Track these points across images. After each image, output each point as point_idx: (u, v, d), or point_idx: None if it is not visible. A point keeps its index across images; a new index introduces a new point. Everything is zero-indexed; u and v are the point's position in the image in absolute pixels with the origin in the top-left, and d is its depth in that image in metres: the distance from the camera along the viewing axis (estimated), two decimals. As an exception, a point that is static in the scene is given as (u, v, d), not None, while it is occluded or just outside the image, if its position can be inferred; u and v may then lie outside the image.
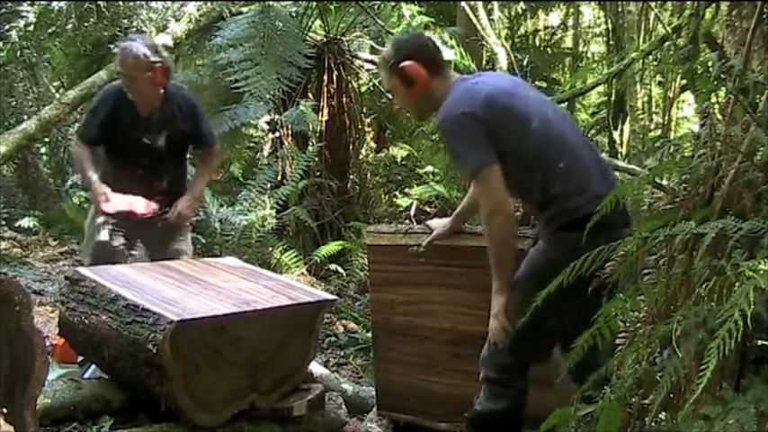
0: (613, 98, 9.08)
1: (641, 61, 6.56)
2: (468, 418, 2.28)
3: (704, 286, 1.29)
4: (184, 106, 3.40)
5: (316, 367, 3.23)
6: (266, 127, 6.45)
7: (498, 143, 2.11)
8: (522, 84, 2.44)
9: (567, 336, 2.10)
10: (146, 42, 3.29)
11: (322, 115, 6.20)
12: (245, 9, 6.24)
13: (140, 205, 3.28)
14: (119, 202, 3.21)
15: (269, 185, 5.70)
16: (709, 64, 1.51)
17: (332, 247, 5.78)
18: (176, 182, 3.49)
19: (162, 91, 3.29)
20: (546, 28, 10.44)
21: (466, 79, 2.27)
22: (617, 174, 5.50)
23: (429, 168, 7.55)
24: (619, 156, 8.12)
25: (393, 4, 6.53)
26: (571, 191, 2.08)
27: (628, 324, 1.55)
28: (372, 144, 7.99)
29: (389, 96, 7.14)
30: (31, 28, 6.48)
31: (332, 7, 6.72)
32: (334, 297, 3.27)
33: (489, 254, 2.18)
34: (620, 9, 8.34)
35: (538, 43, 10.18)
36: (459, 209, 2.69)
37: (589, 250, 1.52)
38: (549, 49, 10.01)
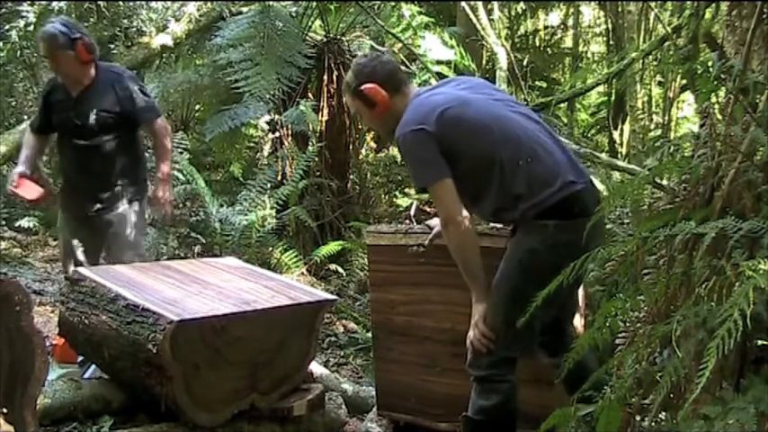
0: (613, 98, 9.09)
1: (641, 61, 6.56)
2: (463, 420, 2.29)
3: (704, 286, 1.29)
4: (116, 83, 3.30)
5: (316, 367, 3.23)
6: (266, 127, 6.45)
7: (452, 153, 2.18)
8: (482, 85, 2.47)
9: (544, 324, 2.18)
10: (63, 21, 3.26)
11: (322, 115, 6.20)
12: (245, 9, 6.24)
13: (27, 191, 3.23)
14: (22, 187, 3.21)
15: (269, 185, 5.70)
16: (710, 64, 1.51)
17: (332, 247, 5.78)
18: (125, 166, 3.35)
19: (91, 69, 3.25)
20: (546, 28, 10.44)
21: (421, 93, 2.34)
22: (616, 174, 5.51)
23: (429, 168, 7.55)
24: (619, 156, 8.13)
25: (393, 4, 6.52)
26: (538, 186, 2.12)
27: (628, 324, 1.55)
28: (372, 144, 7.98)
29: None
30: (31, 28, 6.48)
31: (332, 7, 6.72)
32: (334, 297, 3.27)
33: (457, 264, 2.26)
34: (620, 9, 8.35)
35: (538, 43, 10.19)
36: None
37: (567, 237, 1.55)
38: (549, 49, 10.01)
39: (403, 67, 6.52)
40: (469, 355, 2.25)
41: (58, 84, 3.32)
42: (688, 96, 8.21)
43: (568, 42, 10.37)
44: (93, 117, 3.25)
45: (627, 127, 8.48)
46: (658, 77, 8.19)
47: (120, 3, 6.93)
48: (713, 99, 1.55)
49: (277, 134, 6.25)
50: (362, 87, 2.30)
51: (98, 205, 3.34)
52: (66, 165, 3.41)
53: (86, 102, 3.27)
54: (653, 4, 7.38)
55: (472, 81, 2.47)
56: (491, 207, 2.25)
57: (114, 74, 3.34)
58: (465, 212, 2.19)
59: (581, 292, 2.51)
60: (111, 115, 3.27)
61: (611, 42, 9.11)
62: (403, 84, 2.36)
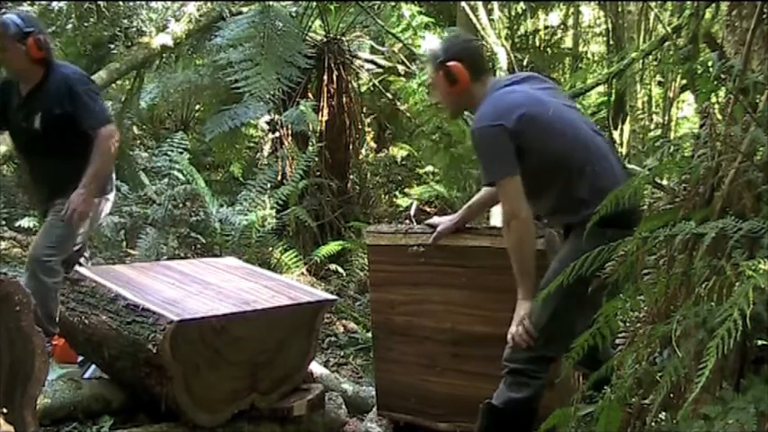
0: (613, 98, 9.08)
1: (641, 61, 6.55)
2: (485, 407, 2.27)
3: (704, 286, 1.29)
4: (65, 85, 3.14)
5: (316, 367, 3.23)
6: (266, 127, 6.45)
7: (524, 150, 2.23)
8: (555, 89, 2.56)
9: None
10: (21, 14, 3.19)
11: (322, 115, 6.20)
12: (245, 9, 6.24)
13: None
14: None
15: (269, 185, 5.70)
16: (710, 64, 1.51)
17: (332, 247, 5.78)
18: (77, 167, 3.14)
19: (41, 68, 3.13)
20: (546, 28, 10.43)
21: (500, 85, 2.41)
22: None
23: (429, 168, 7.56)
24: (619, 156, 8.11)
25: (393, 4, 6.52)
26: (602, 194, 2.12)
27: (628, 324, 1.55)
28: (372, 144, 8.00)
29: (389, 96, 7.16)
30: (31, 28, 6.48)
31: (332, 7, 6.72)
32: (334, 297, 3.28)
33: (512, 260, 2.27)
34: (620, 9, 8.33)
35: (538, 43, 10.17)
36: (470, 202, 2.73)
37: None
38: (549, 49, 10.00)
39: (402, 67, 6.57)
40: (507, 348, 2.26)
41: (14, 82, 3.24)
42: (688, 96, 8.20)
43: (568, 42, 10.36)
44: (37, 119, 3.14)
45: (627, 127, 8.47)
46: (658, 77, 8.18)
47: (120, 3, 6.92)
48: (713, 99, 1.55)
49: (277, 134, 6.25)
50: (449, 63, 2.37)
51: (54, 201, 3.23)
52: (21, 163, 3.37)
53: (33, 102, 3.17)
54: (653, 4, 7.38)
55: (546, 83, 2.53)
56: (549, 206, 2.32)
57: (65, 75, 3.19)
58: (529, 211, 2.23)
59: None
60: (55, 117, 3.14)
61: (611, 42, 9.10)
62: (485, 73, 2.47)
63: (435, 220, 2.78)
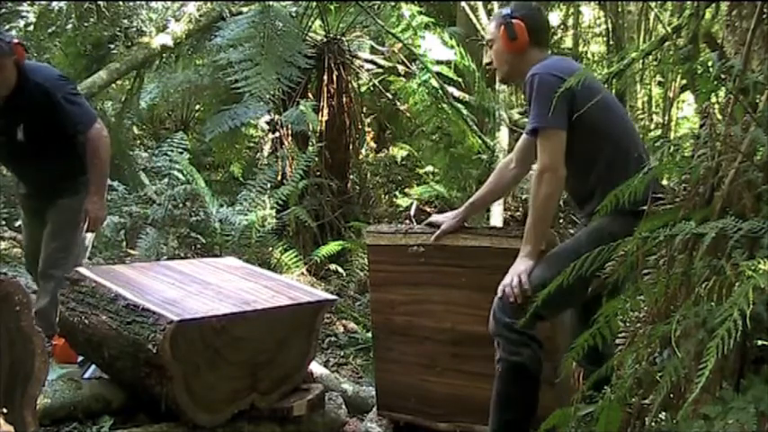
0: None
1: (641, 61, 6.55)
2: (498, 373, 2.25)
3: (704, 286, 1.29)
4: (39, 93, 2.99)
5: (316, 367, 3.23)
6: (266, 127, 6.45)
7: (579, 118, 2.17)
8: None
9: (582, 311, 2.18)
10: None
11: (322, 115, 6.20)
12: (245, 9, 6.24)
13: None
14: None
15: (269, 185, 5.70)
16: (710, 64, 1.51)
17: (332, 247, 5.78)
18: (63, 171, 3.14)
19: (11, 77, 2.97)
20: (546, 28, 10.42)
21: (556, 58, 2.46)
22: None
23: (429, 168, 7.56)
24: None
25: (393, 4, 6.53)
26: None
27: (628, 324, 1.55)
28: (372, 144, 8.00)
29: (389, 96, 7.16)
30: (31, 28, 6.49)
31: (332, 7, 6.72)
32: (334, 297, 3.27)
33: (530, 213, 2.25)
34: (620, 9, 8.34)
35: (538, 43, 10.17)
36: (472, 198, 2.71)
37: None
38: (549, 49, 10.01)
39: (402, 67, 6.57)
40: (497, 303, 2.23)
41: None
42: (688, 96, 8.21)
43: (568, 42, 10.36)
44: (20, 131, 3.04)
45: (627, 127, 8.46)
46: (658, 77, 8.19)
47: (120, 3, 6.93)
48: (713, 99, 1.54)
49: (277, 134, 6.25)
50: (514, 20, 2.37)
51: (49, 204, 3.21)
52: (5, 167, 3.31)
53: (12, 114, 3.04)
54: (653, 4, 7.38)
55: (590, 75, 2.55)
56: (589, 186, 2.27)
57: (39, 83, 3.03)
58: (565, 170, 2.19)
59: None
60: (38, 128, 3.06)
61: (611, 42, 9.10)
62: (544, 44, 2.46)
63: (436, 218, 2.77)
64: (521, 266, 2.22)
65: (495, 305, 2.25)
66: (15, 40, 3.07)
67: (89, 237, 3.28)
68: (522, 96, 8.08)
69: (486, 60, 2.59)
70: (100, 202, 3.16)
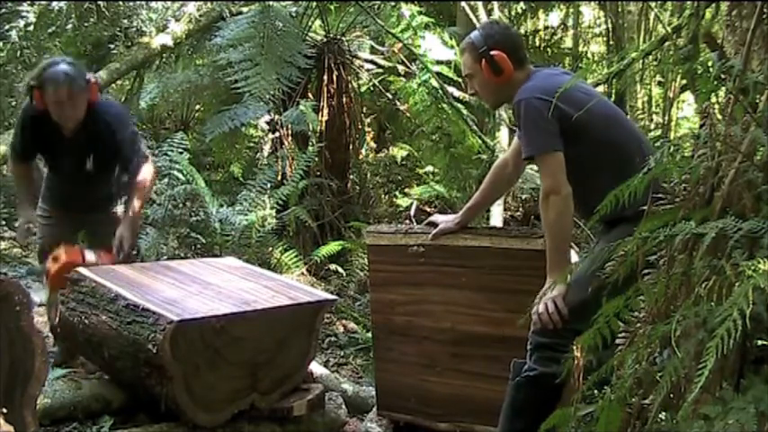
0: (613, 98, 9.07)
1: (641, 61, 6.55)
2: (517, 383, 2.23)
3: (704, 286, 1.29)
4: (107, 129, 3.13)
5: (316, 367, 3.24)
6: (266, 127, 6.45)
7: (574, 132, 2.17)
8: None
9: None
10: (69, 61, 3.13)
11: (322, 115, 6.20)
12: (245, 9, 6.24)
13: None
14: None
15: (269, 185, 5.70)
16: (710, 64, 1.51)
17: (332, 247, 5.78)
18: (111, 190, 3.33)
19: (80, 112, 3.08)
20: (546, 28, 10.43)
21: (541, 70, 2.39)
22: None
23: (429, 168, 7.55)
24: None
25: (393, 4, 6.53)
26: (653, 189, 2.09)
27: (628, 324, 1.55)
28: (372, 144, 7.99)
29: (389, 96, 7.15)
30: (31, 28, 6.48)
31: (332, 7, 6.72)
32: (334, 297, 3.28)
33: (546, 236, 2.23)
34: (620, 9, 8.34)
35: (538, 43, 10.17)
36: (470, 202, 2.70)
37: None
38: (549, 49, 10.00)
39: (402, 67, 6.58)
40: (534, 325, 2.19)
41: (40, 116, 3.09)
42: (688, 96, 8.21)
43: (568, 42, 10.36)
44: (89, 162, 3.18)
45: (627, 127, 8.45)
46: (658, 77, 8.19)
47: (120, 3, 6.92)
48: (713, 99, 1.54)
49: (277, 134, 6.25)
50: (492, 52, 2.31)
51: (88, 216, 3.36)
52: (54, 179, 3.37)
53: (82, 145, 3.15)
54: (653, 4, 7.38)
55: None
56: (597, 197, 2.22)
57: (108, 120, 3.15)
58: (569, 188, 2.17)
59: None
60: (107, 160, 3.20)
61: (611, 42, 9.10)
62: (525, 61, 2.41)
63: (436, 218, 2.77)
64: (555, 291, 2.16)
65: (534, 324, 2.20)
66: (93, 79, 3.15)
67: None
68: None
69: (470, 92, 2.54)
70: (134, 233, 3.21)
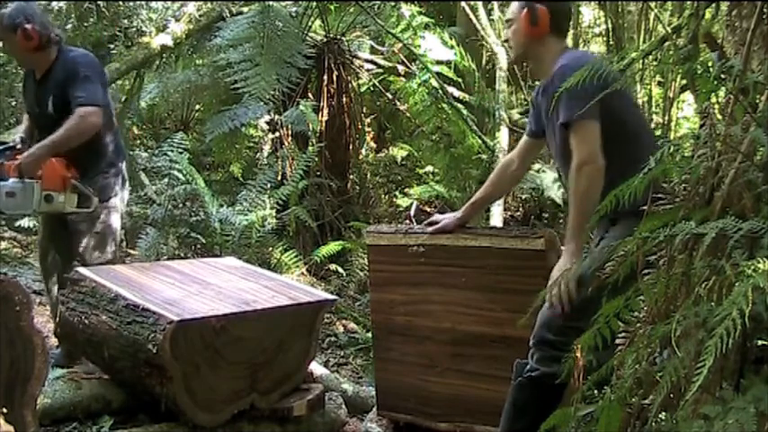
0: (613, 98, 9.04)
1: (641, 61, 6.56)
2: (519, 383, 2.23)
3: (704, 286, 1.29)
4: (70, 67, 3.17)
5: (316, 367, 3.24)
6: (266, 127, 6.45)
7: (611, 110, 2.14)
8: None
9: None
10: (18, 5, 3.21)
11: (322, 115, 6.20)
12: (245, 9, 6.24)
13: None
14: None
15: (269, 185, 5.70)
16: (710, 64, 1.51)
17: (332, 247, 5.78)
18: (88, 153, 3.18)
19: (45, 55, 3.19)
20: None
21: (576, 50, 2.37)
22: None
23: (429, 168, 7.56)
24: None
25: (393, 4, 6.53)
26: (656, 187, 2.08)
27: (628, 324, 1.55)
28: (372, 144, 7.99)
29: (389, 96, 7.16)
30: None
31: (332, 7, 6.72)
32: (334, 297, 3.28)
33: (571, 209, 2.18)
34: (620, 9, 8.34)
35: (538, 43, 10.16)
36: (473, 198, 2.70)
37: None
38: (549, 49, 10.00)
39: (402, 67, 6.57)
40: (543, 314, 2.18)
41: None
42: (688, 96, 8.20)
43: (568, 42, 10.35)
44: (50, 103, 3.19)
45: (627, 127, 8.44)
46: (658, 77, 8.18)
47: (120, 3, 6.93)
48: (713, 99, 1.54)
49: (277, 134, 6.25)
50: (539, 5, 2.33)
51: None
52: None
53: (45, 87, 3.23)
54: (653, 4, 7.38)
55: None
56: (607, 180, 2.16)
57: (73, 58, 3.23)
58: (603, 160, 2.13)
59: None
60: (64, 101, 3.14)
61: (611, 42, 9.10)
62: (564, 34, 2.44)
63: (437, 217, 2.77)
64: (569, 274, 2.11)
65: (541, 320, 2.19)
66: (26, 26, 3.14)
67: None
68: (522, 96, 8.08)
69: (503, 37, 2.55)
70: (32, 158, 3.06)
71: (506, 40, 2.51)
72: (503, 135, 5.92)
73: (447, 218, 2.71)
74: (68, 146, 3.13)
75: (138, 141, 8.34)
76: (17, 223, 6.07)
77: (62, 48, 3.28)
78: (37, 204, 3.08)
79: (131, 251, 5.61)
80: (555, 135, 2.34)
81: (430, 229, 2.69)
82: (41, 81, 3.27)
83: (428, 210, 7.27)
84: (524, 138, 2.60)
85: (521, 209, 7.35)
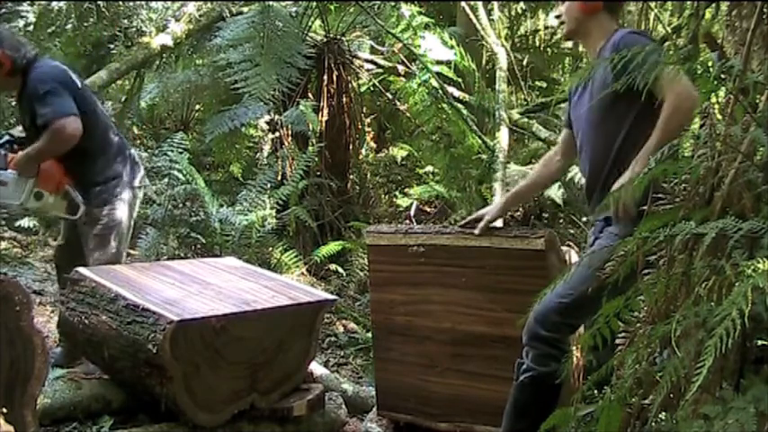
0: (613, 98, 9.05)
1: (641, 61, 6.54)
2: (520, 383, 2.24)
3: (704, 286, 1.29)
4: (30, 88, 3.13)
5: (316, 367, 3.24)
6: (266, 127, 6.45)
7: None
8: None
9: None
10: None
11: (322, 115, 6.20)
12: (245, 9, 6.24)
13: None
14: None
15: (269, 185, 5.69)
16: (710, 64, 1.51)
17: (332, 247, 5.77)
18: (77, 166, 3.19)
19: (16, 76, 3.14)
20: (546, 28, 10.43)
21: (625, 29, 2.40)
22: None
23: (429, 168, 7.56)
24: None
25: (393, 4, 6.52)
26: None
27: (628, 324, 1.55)
28: (372, 144, 7.98)
29: (389, 96, 7.16)
30: (31, 28, 6.48)
31: (332, 7, 6.72)
32: (334, 297, 3.28)
33: (658, 133, 2.06)
34: (620, 9, 8.33)
35: (538, 43, 10.18)
36: (516, 188, 2.70)
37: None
38: (548, 49, 10.00)
39: (402, 67, 6.58)
40: (539, 307, 2.15)
41: None
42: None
43: (568, 42, 10.36)
44: (27, 121, 3.20)
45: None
46: (658, 77, 8.17)
47: (120, 3, 6.92)
48: (713, 99, 1.55)
49: (277, 134, 6.25)
50: None
51: None
52: None
53: (21, 106, 3.25)
54: (653, 4, 7.38)
55: None
56: (611, 180, 2.13)
57: (32, 79, 3.15)
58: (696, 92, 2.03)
59: None
60: (35, 121, 3.12)
61: (611, 42, 9.09)
62: (616, 14, 2.42)
63: (478, 213, 2.69)
64: (636, 167, 2.03)
65: (535, 315, 2.18)
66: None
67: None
68: (522, 96, 8.07)
69: (554, 14, 2.53)
70: (27, 156, 3.11)
71: (558, 16, 2.47)
72: (503, 135, 5.92)
73: (486, 210, 2.66)
74: (50, 156, 3.18)
75: (138, 141, 8.33)
76: (17, 223, 6.07)
77: (34, 65, 3.18)
78: (26, 199, 3.12)
79: (131, 251, 5.61)
80: (591, 110, 2.31)
81: (477, 231, 2.60)
82: (18, 100, 3.29)
83: (428, 210, 7.27)
84: (563, 130, 2.60)
85: (521, 209, 7.35)
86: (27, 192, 3.12)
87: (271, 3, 5.66)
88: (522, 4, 9.53)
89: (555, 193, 6.13)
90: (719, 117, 1.51)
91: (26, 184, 3.11)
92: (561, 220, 6.60)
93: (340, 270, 5.81)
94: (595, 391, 1.56)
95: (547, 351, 2.19)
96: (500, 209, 2.66)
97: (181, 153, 5.42)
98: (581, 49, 10.17)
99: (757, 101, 1.47)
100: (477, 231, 2.60)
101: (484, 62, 8.08)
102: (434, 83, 6.16)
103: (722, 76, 1.48)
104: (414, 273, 2.77)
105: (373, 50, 7.11)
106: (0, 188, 3.12)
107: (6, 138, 3.31)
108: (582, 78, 2.40)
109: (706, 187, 1.46)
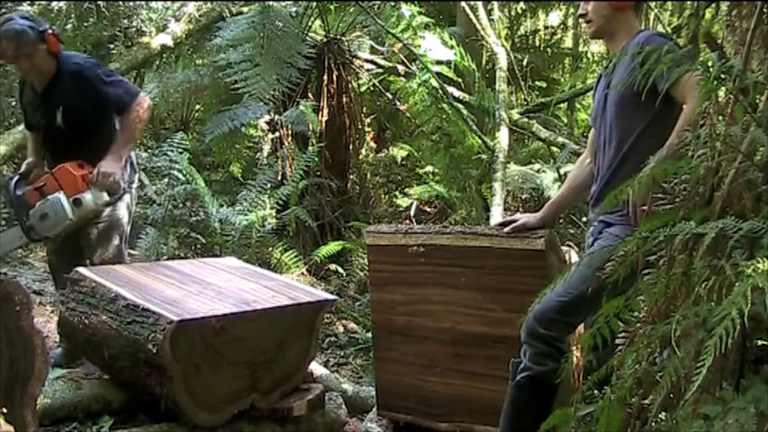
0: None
1: (641, 61, 6.54)
2: (518, 383, 2.23)
3: (704, 286, 1.29)
4: (78, 76, 3.11)
5: (316, 367, 3.24)
6: (266, 127, 6.44)
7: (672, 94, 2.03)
8: None
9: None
10: (21, 15, 3.16)
11: (322, 115, 6.20)
12: (245, 9, 6.24)
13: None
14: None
15: (269, 185, 5.69)
16: (710, 64, 1.51)
17: (332, 247, 5.78)
18: (94, 150, 3.16)
19: (54, 61, 3.10)
20: (546, 28, 10.44)
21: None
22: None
23: (429, 168, 7.56)
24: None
25: (393, 4, 6.53)
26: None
27: (628, 324, 1.55)
28: (372, 144, 7.98)
29: (389, 96, 7.16)
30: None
31: (332, 7, 6.72)
32: (334, 297, 3.28)
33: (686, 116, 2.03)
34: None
35: (538, 43, 10.18)
36: (554, 198, 2.65)
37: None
38: (549, 49, 10.01)
39: (402, 67, 6.57)
40: (537, 305, 2.09)
41: (26, 82, 3.28)
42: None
43: (568, 42, 10.36)
44: (59, 115, 3.13)
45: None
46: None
47: (120, 3, 6.92)
48: (713, 99, 1.54)
49: (277, 134, 6.25)
50: None
51: None
52: (51, 160, 3.33)
53: (52, 98, 3.15)
54: (653, 4, 7.38)
55: None
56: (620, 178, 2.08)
57: (76, 66, 3.14)
58: None
59: None
60: (77, 113, 3.14)
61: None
62: (640, 13, 2.48)
63: (514, 216, 2.66)
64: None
65: (534, 314, 2.17)
66: (50, 30, 3.11)
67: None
68: (522, 96, 8.06)
69: (580, 12, 2.49)
70: (115, 163, 3.12)
71: (583, 15, 2.44)
72: (503, 135, 5.92)
73: (526, 217, 2.59)
74: (138, 138, 3.27)
75: (138, 141, 8.33)
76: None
77: (57, 55, 3.15)
78: (71, 213, 3.07)
79: (131, 251, 5.61)
80: (610, 108, 2.31)
81: (506, 228, 2.57)
82: (46, 93, 3.17)
83: (428, 210, 7.27)
84: (591, 131, 2.56)
85: (521, 209, 7.35)
86: (67, 207, 3.06)
87: (271, 3, 5.66)
88: (522, 4, 9.53)
89: (555, 193, 6.12)
90: (719, 117, 1.51)
91: (61, 202, 3.05)
92: (561, 220, 6.60)
93: (340, 270, 5.81)
94: (595, 391, 1.56)
95: (544, 350, 2.19)
96: (539, 219, 2.56)
97: (181, 153, 5.42)
98: (581, 49, 10.19)
99: (757, 101, 1.47)
100: (506, 229, 2.56)
101: (484, 62, 8.08)
102: (434, 83, 6.16)
103: (722, 76, 1.48)
104: (414, 273, 2.77)
105: (373, 50, 7.11)
106: (44, 223, 3.09)
107: (16, 177, 3.26)
108: (606, 77, 2.40)
109: (706, 187, 1.46)
